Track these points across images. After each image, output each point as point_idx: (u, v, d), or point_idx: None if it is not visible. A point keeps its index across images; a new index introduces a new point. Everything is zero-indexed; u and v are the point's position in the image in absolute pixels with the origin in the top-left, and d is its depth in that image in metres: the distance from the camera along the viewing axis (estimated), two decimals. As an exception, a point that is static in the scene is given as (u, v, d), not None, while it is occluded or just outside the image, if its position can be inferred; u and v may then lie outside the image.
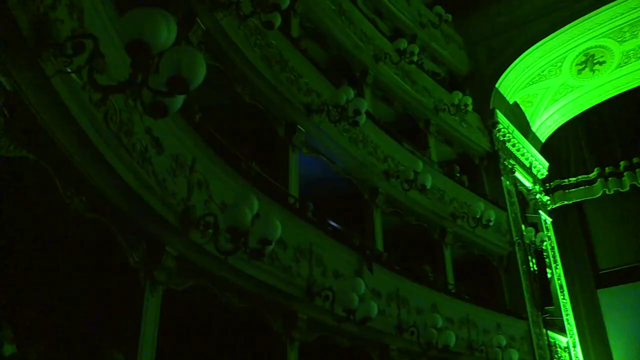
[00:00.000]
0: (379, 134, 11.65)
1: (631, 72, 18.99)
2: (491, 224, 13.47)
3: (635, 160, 18.51)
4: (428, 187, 11.45)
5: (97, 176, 5.08)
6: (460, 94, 14.77)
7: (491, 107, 16.88)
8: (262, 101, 9.10)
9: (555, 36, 17.24)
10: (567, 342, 16.54)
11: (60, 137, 4.56)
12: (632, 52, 18.34)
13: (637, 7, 16.67)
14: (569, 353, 16.41)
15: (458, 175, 14.46)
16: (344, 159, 10.63)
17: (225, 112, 9.07)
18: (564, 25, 17.00)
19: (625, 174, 18.57)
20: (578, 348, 16.91)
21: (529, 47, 17.38)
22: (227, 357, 8.59)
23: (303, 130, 9.63)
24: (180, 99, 4.03)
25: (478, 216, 13.17)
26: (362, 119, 9.60)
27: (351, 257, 9.33)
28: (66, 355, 6.03)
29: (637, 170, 18.45)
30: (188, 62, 3.79)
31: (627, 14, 16.91)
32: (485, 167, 16.28)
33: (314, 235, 8.50)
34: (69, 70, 4.13)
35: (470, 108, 14.90)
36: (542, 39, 17.27)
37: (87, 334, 5.97)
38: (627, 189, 18.52)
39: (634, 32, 17.56)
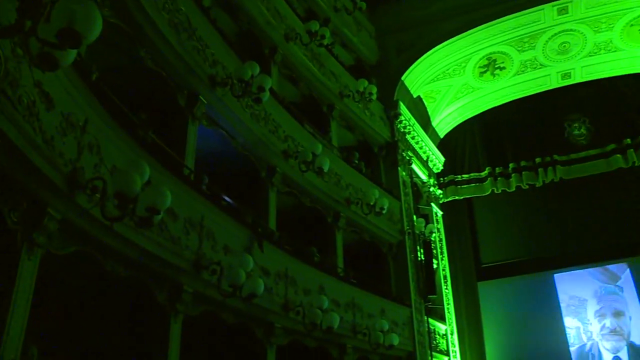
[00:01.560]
0: (281, 113, 11.61)
1: (526, 80, 20.08)
2: (384, 212, 13.82)
3: (522, 163, 19.57)
4: (325, 170, 11.57)
5: (-26, 127, 4.75)
6: (366, 82, 14.99)
7: (395, 99, 17.25)
8: (166, 68, 8.83)
9: (463, 37, 17.82)
10: (446, 330, 17.32)
11: None
12: (529, 62, 19.34)
13: (537, 21, 17.66)
14: (447, 340, 17.20)
15: (356, 161, 14.67)
16: (244, 134, 10.52)
17: (125, 75, 8.72)
18: (471, 28, 17.61)
19: (512, 175, 19.58)
20: (455, 335, 17.76)
21: (437, 45, 17.87)
22: (108, 327, 8.35)
23: (205, 101, 9.41)
24: (72, 54, 3.81)
25: (372, 203, 13.46)
26: (266, 96, 9.57)
27: (242, 233, 9.28)
28: None
29: (523, 173, 19.50)
30: (83, 15, 3.57)
31: (528, 26, 17.84)
32: (383, 156, 16.65)
33: (206, 209, 8.38)
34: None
35: (374, 97, 15.15)
36: (450, 38, 17.80)
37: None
38: (513, 189, 19.57)
39: (532, 43, 18.54)
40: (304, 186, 12.20)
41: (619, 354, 18.79)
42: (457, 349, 17.69)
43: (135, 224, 5.97)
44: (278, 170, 11.38)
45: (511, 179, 19.57)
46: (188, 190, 8.05)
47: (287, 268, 10.39)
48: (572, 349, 19.28)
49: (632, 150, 18.53)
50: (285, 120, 11.73)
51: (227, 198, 9.84)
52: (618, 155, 18.73)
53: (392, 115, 17.01)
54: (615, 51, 19.04)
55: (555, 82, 20.20)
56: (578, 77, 20.02)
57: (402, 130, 17.37)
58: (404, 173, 16.78)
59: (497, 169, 19.88)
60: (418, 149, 18.62)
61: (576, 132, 19.68)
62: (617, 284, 19.63)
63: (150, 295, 7.56)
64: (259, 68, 9.67)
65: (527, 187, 19.47)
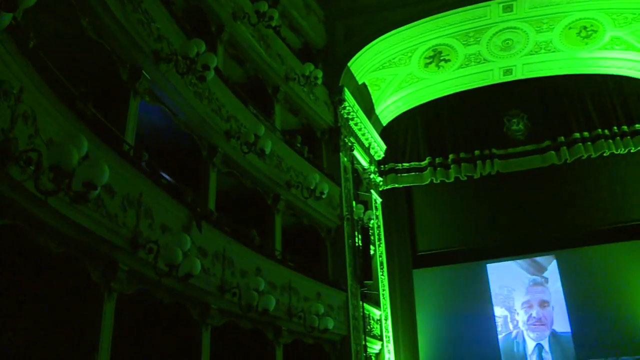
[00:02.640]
0: (225, 93, 11.47)
1: (470, 74, 20.47)
2: (324, 196, 13.90)
3: (462, 155, 19.97)
4: (267, 152, 11.56)
5: None
6: (312, 66, 14.98)
7: (340, 84, 17.29)
8: (109, 40, 8.57)
9: (411, 27, 17.97)
10: (380, 315, 17.60)
11: None
12: (473, 56, 19.71)
13: (483, 17, 18.01)
14: (381, 325, 17.48)
15: (299, 145, 14.69)
16: (186, 112, 10.33)
17: (66, 45, 8.44)
18: (420, 19, 17.76)
19: (452, 166, 19.95)
20: (389, 321, 18.07)
21: (385, 33, 17.96)
22: (39, 304, 8.13)
23: (148, 77, 9.19)
24: (7, 17, 3.64)
25: (312, 187, 13.51)
26: (210, 74, 9.46)
27: (181, 212, 9.16)
28: None
29: (462, 164, 19.92)
30: (21, -22, 3.42)
31: (474, 21, 18.17)
32: (326, 141, 16.69)
33: (145, 186, 8.21)
34: None
35: (319, 81, 15.16)
36: (398, 27, 17.91)
37: None
38: (452, 180, 19.96)
39: (477, 38, 18.91)
40: (245, 167, 12.13)
41: (542, 342, 19.64)
42: (390, 334, 18.02)
43: (71, 199, 5.82)
44: (220, 150, 11.26)
45: (450, 170, 19.95)
46: (127, 167, 7.88)
47: (225, 249, 10.33)
48: (499, 336, 20.03)
49: (565, 147, 19.24)
50: (229, 100, 11.60)
51: (166, 176, 9.70)
52: (552, 151, 19.41)
53: (336, 101, 17.04)
54: (554, 51, 19.67)
55: (497, 78, 20.70)
56: (519, 74, 20.59)
57: (346, 116, 17.44)
58: (345, 159, 16.88)
59: (437, 159, 20.22)
60: (360, 136, 18.75)
61: (514, 127, 20.22)
62: (544, 275, 20.44)
63: (84, 272, 7.38)
64: (204, 46, 9.54)
65: (465, 178, 19.91)
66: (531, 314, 20.14)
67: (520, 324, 20.13)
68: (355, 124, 18.19)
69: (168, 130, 10.52)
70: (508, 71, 20.50)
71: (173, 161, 10.98)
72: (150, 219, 8.24)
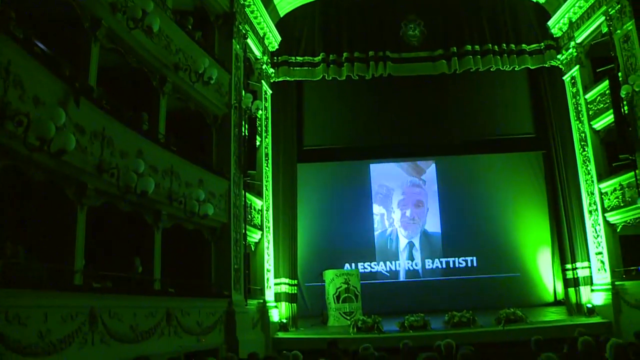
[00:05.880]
0: (111, -39, 10.64)
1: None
2: (212, 82, 13.59)
3: (356, 54, 19.89)
4: (155, 30, 11.02)
5: None
6: (209, -56, 14.20)
7: (238, -34, 16.53)
8: None
9: None
10: (262, 206, 17.85)
11: None
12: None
13: None
14: (262, 215, 17.77)
15: (190, 27, 14.06)
16: (66, -22, 9.55)
17: None
18: None
19: (345, 64, 19.92)
20: (270, 212, 18.38)
21: None
22: None
23: None
24: None
25: (201, 72, 13.14)
26: (94, -63, 8.70)
27: (57, 86, 8.62)
28: None
29: (355, 63, 19.88)
30: None
31: None
32: (219, 26, 16.07)
33: (15, 53, 7.59)
34: None
35: (216, -40, 14.43)
36: None
37: None
38: (344, 78, 19.99)
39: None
40: (131, 45, 11.45)
41: (413, 240, 20.94)
42: (271, 224, 18.38)
43: None
44: (103, 23, 10.46)
45: (343, 68, 19.91)
46: (-6, 31, 7.23)
47: (105, 128, 9.93)
48: (375, 233, 21.09)
49: (456, 58, 19.69)
50: (115, -31, 10.77)
51: (41, 45, 9.00)
52: (443, 60, 19.81)
53: (233, -16, 16.32)
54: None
55: (397, -20, 20.50)
56: (421, -20, 20.47)
57: (242, 2, 16.78)
58: (238, 46, 16.39)
59: (331, 56, 20.04)
60: (256, 24, 18.21)
61: (410, 32, 20.31)
62: (422, 177, 21.50)
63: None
64: None
65: (357, 77, 19.97)
66: (405, 213, 21.29)
67: (396, 222, 21.27)
68: (252, 12, 17.60)
69: (44, -1, 9.68)
70: (411, -24, 20.33)
71: (51, 31, 10.15)
72: (20, 90, 7.71)
